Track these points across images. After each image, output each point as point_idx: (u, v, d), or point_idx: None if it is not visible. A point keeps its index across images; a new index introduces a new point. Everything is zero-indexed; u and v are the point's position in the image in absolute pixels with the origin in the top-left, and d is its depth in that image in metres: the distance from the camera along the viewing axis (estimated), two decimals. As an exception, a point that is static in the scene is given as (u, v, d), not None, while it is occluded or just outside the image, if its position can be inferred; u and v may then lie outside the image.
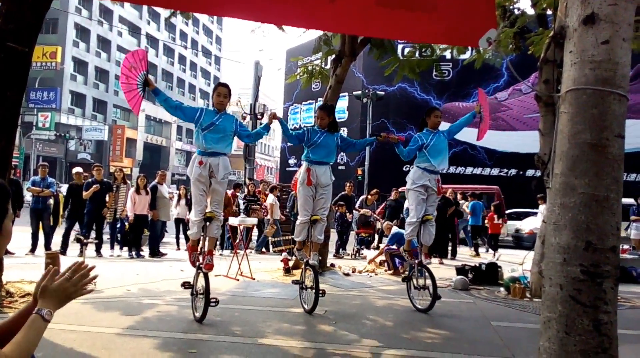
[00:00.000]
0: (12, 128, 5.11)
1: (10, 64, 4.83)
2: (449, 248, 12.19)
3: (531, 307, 6.25)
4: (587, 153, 2.27)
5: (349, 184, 12.71)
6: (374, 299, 6.70)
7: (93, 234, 10.25)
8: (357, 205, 12.84)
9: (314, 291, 5.38)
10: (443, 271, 9.39)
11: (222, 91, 5.18)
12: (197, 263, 5.15)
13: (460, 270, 8.11)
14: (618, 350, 2.27)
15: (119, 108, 48.00)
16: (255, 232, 12.44)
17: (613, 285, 2.25)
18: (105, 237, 10.73)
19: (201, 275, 5.04)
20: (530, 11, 8.44)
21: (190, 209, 6.90)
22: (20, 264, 8.12)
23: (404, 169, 6.26)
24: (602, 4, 2.27)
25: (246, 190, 12.63)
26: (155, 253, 10.61)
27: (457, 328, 5.14)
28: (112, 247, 10.64)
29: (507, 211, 16.92)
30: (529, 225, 15.70)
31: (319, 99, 26.18)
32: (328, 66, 10.15)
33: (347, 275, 8.59)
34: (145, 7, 49.61)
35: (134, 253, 10.37)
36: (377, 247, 11.51)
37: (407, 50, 10.82)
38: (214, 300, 4.86)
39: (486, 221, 13.30)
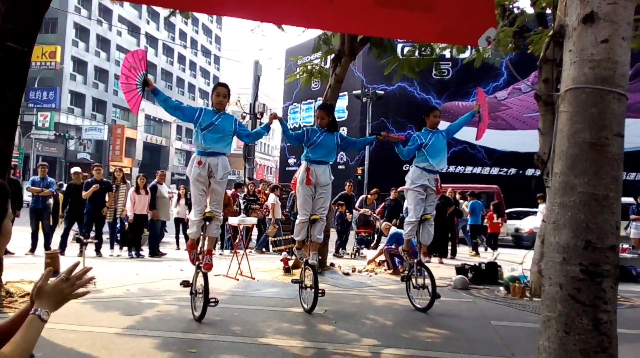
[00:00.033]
0: (11, 128, 5.11)
1: (10, 64, 4.82)
2: (449, 247, 12.19)
3: (531, 306, 6.25)
4: (587, 152, 2.27)
5: (349, 183, 12.71)
6: (373, 298, 6.70)
7: (92, 234, 10.24)
8: (356, 205, 12.85)
9: (313, 290, 5.38)
10: (443, 270, 9.39)
11: (222, 91, 5.18)
12: (197, 263, 5.16)
13: (460, 270, 8.11)
14: (618, 349, 2.27)
15: (118, 108, 47.98)
16: (255, 232, 12.44)
17: (612, 284, 2.25)
18: (105, 237, 10.73)
19: (200, 274, 5.05)
20: (530, 10, 8.45)
21: (190, 209, 6.90)
22: (20, 264, 8.12)
23: (404, 168, 6.26)
24: (601, 3, 2.27)
25: (246, 190, 12.63)
26: (154, 252, 10.61)
27: (456, 328, 5.14)
28: (111, 247, 10.64)
29: (507, 211, 16.93)
30: (529, 224, 15.71)
31: (318, 98, 26.23)
32: (327, 65, 10.15)
33: (347, 274, 8.59)
34: (144, 7, 49.59)
35: (133, 252, 10.37)
36: (376, 247, 11.50)
37: (406, 49, 10.82)
38: (213, 300, 4.86)
39: (485, 220, 13.31)
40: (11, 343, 1.42)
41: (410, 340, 4.63)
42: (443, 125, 6.08)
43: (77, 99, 43.28)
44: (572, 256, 2.26)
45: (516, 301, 6.63)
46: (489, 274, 7.97)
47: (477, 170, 27.76)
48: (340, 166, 28.52)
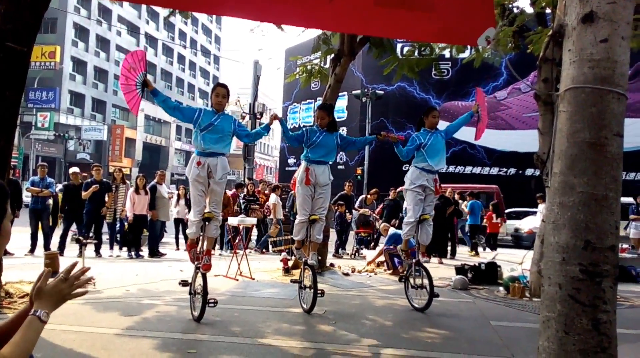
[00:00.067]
0: (11, 128, 5.10)
1: (9, 64, 4.82)
2: (449, 247, 12.19)
3: (530, 307, 6.25)
4: (586, 151, 2.27)
5: (348, 183, 12.71)
6: (373, 299, 6.70)
7: (92, 234, 10.23)
8: (356, 205, 12.85)
9: (312, 290, 5.38)
10: (442, 270, 9.39)
11: (221, 91, 5.18)
12: (196, 263, 5.16)
13: (460, 270, 8.11)
14: (617, 349, 2.27)
15: (118, 108, 47.97)
16: (255, 232, 12.44)
17: (612, 284, 2.24)
18: (105, 237, 10.72)
19: (199, 274, 5.05)
20: (529, 10, 8.44)
21: (189, 209, 6.90)
22: (19, 264, 8.11)
23: (404, 168, 6.27)
24: (600, 3, 2.26)
25: (245, 190, 12.63)
26: (154, 253, 10.60)
27: (456, 328, 5.14)
28: (111, 247, 10.63)
29: (507, 211, 16.93)
30: (529, 224, 15.71)
31: (318, 98, 26.23)
32: (327, 65, 10.14)
33: (347, 274, 8.59)
34: (144, 7, 49.59)
35: (133, 253, 10.36)
36: (375, 247, 11.50)
37: (406, 49, 10.83)
38: (212, 300, 4.86)
39: (485, 220, 13.30)
40: (10, 344, 1.41)
41: (410, 340, 4.63)
42: (442, 125, 6.08)
43: (77, 99, 43.26)
44: (572, 256, 2.25)
45: (516, 302, 6.63)
46: (488, 274, 7.97)
47: (477, 170, 27.77)
48: (339, 166, 28.53)
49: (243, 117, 22.20)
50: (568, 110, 2.34)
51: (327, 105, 6.72)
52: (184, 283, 5.29)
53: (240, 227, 9.05)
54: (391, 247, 8.96)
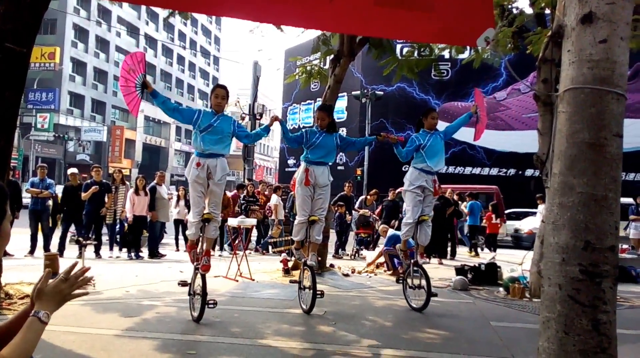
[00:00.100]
0: (10, 129, 5.11)
1: (9, 65, 4.82)
2: (448, 248, 12.19)
3: (530, 307, 6.25)
4: (586, 152, 2.27)
5: (348, 184, 12.72)
6: (373, 299, 6.69)
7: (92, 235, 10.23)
8: (356, 205, 12.85)
9: (311, 291, 5.38)
10: (442, 271, 9.40)
11: (220, 93, 5.19)
12: (195, 264, 5.16)
13: (460, 270, 8.11)
14: (617, 350, 2.27)
15: (117, 109, 47.95)
16: (254, 233, 12.43)
17: (612, 285, 2.25)
18: (104, 238, 10.72)
19: (198, 275, 5.05)
20: (529, 10, 8.44)
21: (189, 210, 6.91)
22: (19, 266, 8.11)
23: (403, 169, 6.27)
24: (599, 3, 2.27)
25: (245, 191, 12.63)
26: (154, 254, 10.59)
27: (456, 329, 5.14)
28: (111, 248, 10.62)
29: (506, 211, 16.92)
30: (528, 224, 15.71)
31: (317, 99, 26.22)
32: (327, 66, 10.15)
33: (347, 275, 8.58)
34: (143, 8, 49.58)
35: (133, 254, 10.36)
36: (374, 248, 11.50)
37: (405, 50, 10.80)
38: (212, 301, 4.86)
39: (484, 220, 13.30)
40: (11, 345, 1.41)
41: (410, 341, 4.63)
42: (442, 126, 6.10)
43: (77, 100, 43.25)
44: (572, 256, 2.25)
45: (516, 302, 6.63)
46: (488, 275, 7.97)
47: (477, 171, 27.77)
48: (339, 167, 28.51)
49: (243, 118, 22.20)
50: (567, 111, 2.34)
51: (327, 106, 6.73)
52: (183, 283, 5.31)
53: (240, 228, 9.04)
54: (391, 248, 8.96)
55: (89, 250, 9.54)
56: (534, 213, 15.06)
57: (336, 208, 11.95)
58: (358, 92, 24.68)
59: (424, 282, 5.83)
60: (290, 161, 33.72)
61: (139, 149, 49.36)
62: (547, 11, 7.75)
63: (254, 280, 7.61)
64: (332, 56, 8.99)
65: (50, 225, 10.27)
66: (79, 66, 43.31)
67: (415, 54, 10.67)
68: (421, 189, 5.92)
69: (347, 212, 12.16)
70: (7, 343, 1.42)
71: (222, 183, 5.18)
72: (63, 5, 38.03)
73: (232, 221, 8.79)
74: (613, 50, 2.25)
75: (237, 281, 7.49)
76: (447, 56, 18.45)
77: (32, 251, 9.75)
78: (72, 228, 10.41)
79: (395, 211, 12.03)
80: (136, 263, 9.55)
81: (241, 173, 24.56)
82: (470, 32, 2.96)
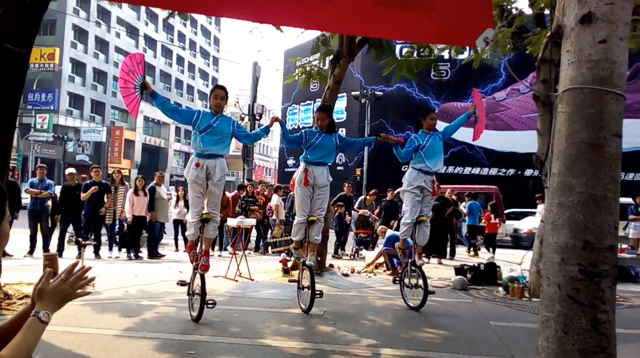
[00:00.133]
0: (10, 129, 5.11)
1: (8, 66, 4.82)
2: (448, 248, 12.20)
3: (530, 307, 6.25)
4: (585, 152, 2.27)
5: (348, 184, 12.72)
6: (372, 299, 6.70)
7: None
8: (355, 206, 12.85)
9: (310, 291, 5.39)
10: (442, 271, 9.40)
11: (219, 93, 5.19)
12: (194, 264, 5.16)
13: (459, 270, 8.11)
14: (616, 349, 2.27)
15: (117, 109, 47.94)
16: (254, 233, 12.43)
17: (611, 284, 2.25)
18: (104, 239, 10.71)
19: (198, 275, 5.05)
20: (528, 11, 8.46)
21: (189, 211, 6.92)
22: (18, 266, 8.11)
23: (403, 169, 6.29)
24: (599, 3, 2.27)
25: (244, 191, 12.63)
26: (153, 254, 10.59)
27: (456, 328, 5.14)
28: (110, 249, 10.63)
29: (506, 211, 16.92)
30: (528, 224, 15.72)
31: (317, 99, 26.21)
32: (326, 67, 10.15)
33: (346, 275, 8.59)
34: (143, 8, 49.58)
35: (132, 254, 10.35)
36: (373, 248, 11.51)
37: (405, 50, 10.80)
38: (211, 301, 4.87)
39: (483, 220, 13.30)
40: (10, 345, 1.40)
41: (410, 340, 4.63)
42: (442, 126, 6.10)
43: (76, 100, 43.23)
44: (571, 256, 2.26)
45: (515, 302, 6.63)
46: (487, 275, 7.97)
47: (476, 171, 27.77)
48: (339, 167, 28.50)
49: (242, 119, 22.20)
50: (567, 111, 2.35)
51: (327, 107, 6.74)
52: (182, 283, 5.31)
53: (240, 228, 9.04)
54: (390, 248, 8.96)
55: (89, 250, 9.54)
56: (534, 213, 15.07)
57: (335, 208, 11.95)
58: (357, 92, 24.68)
59: (421, 281, 5.86)
60: (290, 162, 33.70)
61: (139, 149, 49.34)
62: (547, 12, 7.75)
63: (253, 280, 7.61)
64: (331, 57, 9.00)
65: (50, 225, 10.26)
66: (78, 67, 43.30)
67: (415, 54, 10.68)
68: (420, 189, 5.94)
69: (346, 212, 12.16)
70: (6, 344, 1.41)
71: (221, 183, 5.20)
72: (62, 6, 38.02)
73: (232, 222, 8.79)
74: (612, 50, 2.26)
75: (237, 281, 7.49)
76: (446, 56, 18.49)
77: (31, 252, 9.74)
78: (70, 229, 10.40)
79: (393, 211, 12.03)
80: (135, 264, 9.55)
81: (240, 173, 24.56)
82: (470, 32, 2.97)
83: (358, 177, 24.33)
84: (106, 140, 44.08)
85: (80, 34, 43.25)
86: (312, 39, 10.35)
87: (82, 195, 9.85)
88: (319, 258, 8.01)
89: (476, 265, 8.25)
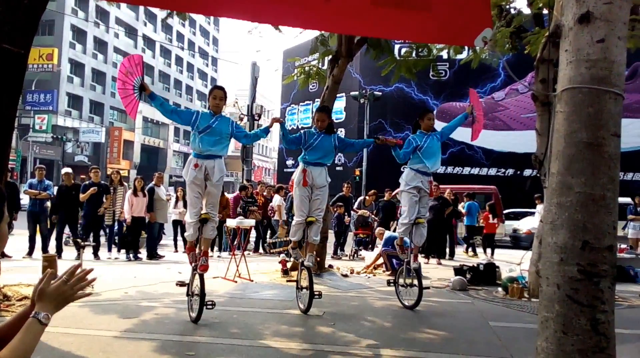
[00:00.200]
0: (8, 130, 5.09)
1: (6, 66, 4.81)
2: (447, 248, 12.19)
3: (529, 307, 6.25)
4: (583, 151, 2.27)
5: (347, 185, 12.72)
6: (372, 300, 6.69)
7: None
8: (355, 206, 12.85)
9: (308, 291, 5.39)
10: (441, 271, 9.40)
11: (218, 94, 5.20)
12: (193, 264, 5.16)
13: (458, 271, 8.11)
14: (616, 350, 2.27)
15: (116, 110, 47.92)
16: (253, 234, 12.43)
17: (610, 285, 2.25)
18: (103, 240, 10.70)
19: (197, 276, 5.05)
20: (527, 10, 8.46)
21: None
22: (17, 267, 8.10)
23: (402, 170, 6.29)
24: (597, 3, 2.27)
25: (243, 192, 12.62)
26: (152, 255, 10.58)
27: (455, 329, 5.14)
28: (109, 250, 10.62)
29: (505, 211, 16.93)
30: (527, 224, 15.72)
31: (316, 99, 26.20)
32: (325, 67, 10.14)
33: (346, 276, 8.58)
34: (141, 9, 49.57)
35: (131, 255, 10.34)
36: (373, 248, 11.51)
37: (404, 50, 10.78)
38: (210, 302, 4.86)
39: (481, 220, 13.31)
40: (9, 346, 1.40)
41: (409, 341, 4.63)
42: (441, 126, 6.11)
43: (75, 101, 43.21)
44: (570, 256, 2.26)
45: (514, 302, 6.63)
46: (487, 275, 7.97)
47: (475, 171, 27.78)
48: (338, 168, 28.50)
49: (241, 119, 22.20)
50: (565, 110, 2.35)
51: (326, 107, 6.73)
52: (181, 284, 5.31)
53: (239, 229, 9.03)
54: (389, 248, 8.96)
55: (88, 252, 9.52)
56: (533, 213, 15.08)
57: (335, 209, 11.95)
58: (356, 92, 24.69)
59: (415, 281, 5.92)
60: (289, 162, 33.69)
61: (138, 150, 49.32)
62: (545, 11, 7.76)
63: (252, 280, 7.61)
64: (330, 57, 8.99)
65: (49, 226, 10.25)
66: (77, 67, 43.27)
67: (414, 54, 10.67)
68: (417, 189, 5.97)
69: (345, 214, 12.16)
70: (6, 345, 1.41)
71: (219, 183, 5.21)
72: (61, 6, 38.01)
73: (231, 222, 8.79)
74: (610, 50, 2.26)
75: (236, 282, 7.48)
76: (445, 56, 18.45)
77: (30, 253, 9.72)
78: (67, 230, 10.38)
79: (392, 211, 12.05)
80: (135, 265, 9.54)
81: (239, 174, 24.55)
82: (468, 32, 2.97)
83: (357, 177, 24.33)
84: (105, 141, 44.05)
85: (79, 34, 43.23)
86: (311, 39, 10.35)
87: (81, 196, 9.83)
88: (318, 259, 8.01)
89: (475, 265, 8.25)
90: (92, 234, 10.17)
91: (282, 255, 9.43)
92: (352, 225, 12.71)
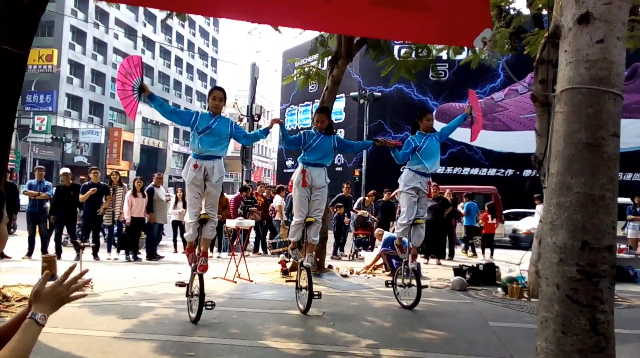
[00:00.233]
0: (8, 131, 5.09)
1: (6, 67, 4.81)
2: (447, 248, 12.19)
3: (529, 307, 6.25)
4: (583, 152, 2.27)
5: (346, 185, 12.72)
6: (372, 300, 6.69)
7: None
8: (354, 206, 12.85)
9: (308, 291, 5.40)
10: (441, 271, 9.40)
11: (218, 95, 5.20)
12: (192, 265, 5.16)
13: (458, 271, 8.11)
14: (615, 350, 2.27)
15: (115, 111, 47.91)
16: (252, 234, 12.43)
17: (609, 285, 2.25)
18: (102, 240, 10.69)
19: (196, 276, 5.05)
20: (526, 11, 8.47)
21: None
22: (17, 268, 8.09)
23: (401, 170, 6.31)
24: (596, 3, 2.27)
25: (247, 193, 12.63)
26: (152, 255, 10.58)
27: (455, 329, 5.14)
28: (109, 250, 10.61)
29: (505, 212, 16.93)
30: (527, 225, 15.72)
31: (315, 100, 26.22)
32: (325, 67, 10.15)
33: (345, 276, 8.58)
34: (141, 10, 49.57)
35: (131, 256, 10.34)
36: (372, 249, 11.51)
37: (403, 51, 10.78)
38: (210, 302, 4.86)
39: (480, 221, 13.32)
40: (7, 347, 1.40)
41: (409, 341, 4.63)
42: (440, 126, 6.12)
43: (74, 102, 43.20)
44: (569, 256, 2.26)
45: (514, 302, 6.63)
46: (486, 275, 7.97)
47: (475, 171, 27.78)
48: (337, 168, 28.51)
49: (241, 120, 22.21)
50: (564, 111, 2.35)
51: (326, 108, 6.74)
52: (180, 284, 5.32)
53: (239, 229, 9.03)
54: (388, 248, 8.96)
55: (87, 252, 9.52)
56: (532, 213, 15.08)
57: (334, 209, 11.95)
58: (356, 93, 24.68)
59: (414, 281, 5.92)
60: (289, 163, 33.68)
61: (137, 151, 49.30)
62: (545, 12, 7.77)
63: (252, 281, 7.61)
64: (330, 57, 8.99)
65: (48, 227, 10.24)
66: (76, 68, 43.27)
67: (413, 55, 10.68)
68: (415, 190, 5.98)
69: (345, 214, 12.16)
70: (4, 346, 1.41)
71: (219, 184, 5.21)
72: (60, 7, 38.02)
73: (230, 223, 8.79)
74: (610, 50, 2.26)
75: (236, 282, 7.48)
76: (444, 57, 18.46)
77: (29, 254, 9.71)
78: (65, 231, 10.37)
79: (390, 211, 12.05)
80: (134, 265, 9.54)
81: (239, 175, 24.55)
82: (468, 32, 2.97)
83: (357, 178, 24.33)
84: (105, 141, 44.04)
85: (79, 35, 43.23)
86: (311, 40, 10.36)
87: (81, 196, 9.83)
88: (317, 259, 8.02)
89: (475, 265, 8.25)
90: (91, 235, 10.17)
91: (281, 256, 9.44)
92: (352, 226, 12.71)
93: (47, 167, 13.34)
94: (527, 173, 25.78)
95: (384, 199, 12.54)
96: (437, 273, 9.19)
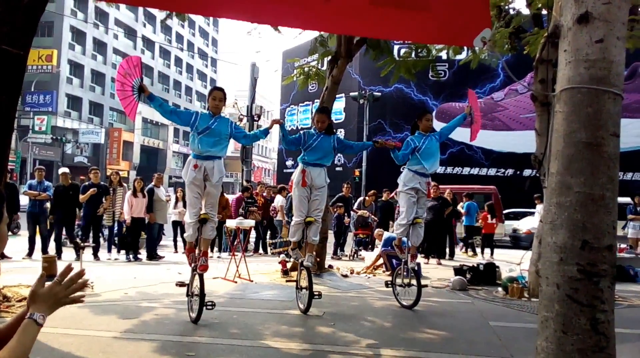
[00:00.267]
0: (8, 131, 5.09)
1: (6, 67, 4.81)
2: (447, 248, 12.20)
3: (529, 307, 6.26)
4: (583, 151, 2.27)
5: (346, 185, 12.72)
6: (372, 300, 6.69)
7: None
8: (355, 206, 12.86)
9: (308, 291, 5.40)
10: (441, 271, 9.40)
11: (218, 95, 5.21)
12: (193, 265, 5.17)
13: (458, 271, 8.11)
14: (615, 349, 2.27)
15: (115, 111, 47.90)
16: (252, 234, 12.43)
17: (610, 284, 2.25)
18: (102, 240, 10.69)
19: (197, 276, 5.05)
20: (526, 11, 8.47)
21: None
22: (17, 268, 8.10)
23: (401, 170, 6.32)
24: (596, 3, 2.27)
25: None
26: (152, 256, 10.58)
27: (455, 329, 5.14)
28: (109, 250, 10.62)
29: (505, 211, 16.92)
30: (527, 224, 15.72)
31: (315, 100, 26.22)
32: (324, 67, 10.15)
33: (346, 276, 8.58)
34: (141, 10, 49.57)
35: (131, 256, 10.34)
36: (372, 249, 11.51)
37: (403, 51, 10.78)
38: (210, 302, 4.86)
39: (480, 220, 13.32)
40: (7, 348, 1.41)
41: (409, 341, 4.63)
42: (440, 126, 6.12)
43: (74, 102, 43.19)
44: (569, 256, 2.26)
45: (514, 302, 6.63)
46: (487, 275, 7.97)
47: (475, 171, 27.79)
48: (337, 168, 28.51)
49: (240, 120, 22.21)
50: (564, 110, 2.35)
51: (326, 109, 6.74)
52: (180, 284, 5.32)
53: (239, 229, 9.03)
54: (388, 248, 8.96)
55: (87, 252, 9.52)
56: (532, 213, 15.08)
57: (335, 209, 11.95)
58: (356, 93, 24.69)
59: (414, 281, 5.92)
60: (289, 163, 33.67)
61: (137, 151, 49.30)
62: (544, 12, 7.77)
63: (252, 281, 7.61)
64: (329, 57, 9.00)
65: (48, 227, 10.24)
66: (76, 68, 43.26)
67: (413, 55, 10.68)
68: (415, 190, 5.99)
69: (345, 214, 12.16)
70: (4, 346, 1.42)
71: (219, 184, 5.22)
72: (60, 7, 38.01)
73: (231, 223, 8.79)
74: (609, 50, 2.26)
75: (236, 282, 7.48)
76: (444, 57, 18.50)
77: (30, 254, 9.72)
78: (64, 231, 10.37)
79: (390, 211, 12.04)
80: (134, 265, 9.54)
81: (239, 175, 24.55)
82: (467, 32, 2.97)
83: (357, 178, 24.33)
84: (104, 142, 44.03)
85: (78, 35, 43.22)
86: (311, 40, 10.36)
87: (81, 197, 9.83)
88: (317, 259, 8.02)
89: (475, 265, 8.25)
90: (91, 235, 10.17)
91: (282, 256, 9.44)
92: (352, 225, 12.72)
93: (47, 167, 13.33)
94: (527, 172, 25.78)
95: (383, 199, 12.54)
96: (437, 272, 9.19)
